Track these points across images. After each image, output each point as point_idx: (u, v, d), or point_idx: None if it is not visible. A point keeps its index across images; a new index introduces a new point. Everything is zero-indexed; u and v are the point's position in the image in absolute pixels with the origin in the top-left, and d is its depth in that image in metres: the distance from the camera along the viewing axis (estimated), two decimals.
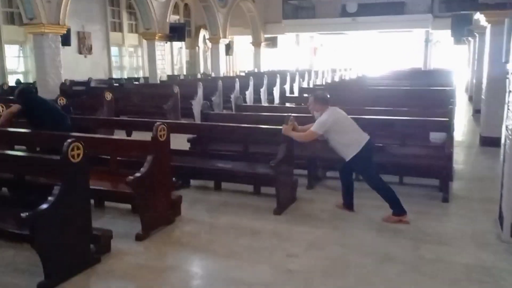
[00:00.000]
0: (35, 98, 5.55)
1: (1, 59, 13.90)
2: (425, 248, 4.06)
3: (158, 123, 4.29)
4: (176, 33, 16.58)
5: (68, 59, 16.13)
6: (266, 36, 24.70)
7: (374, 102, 9.16)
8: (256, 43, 24.53)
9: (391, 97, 9.82)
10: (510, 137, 4.08)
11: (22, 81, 14.68)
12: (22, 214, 3.03)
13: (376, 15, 20.92)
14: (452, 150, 5.71)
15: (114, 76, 18.46)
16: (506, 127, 4.38)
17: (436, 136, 6.18)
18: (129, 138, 4.59)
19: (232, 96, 12.90)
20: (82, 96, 11.52)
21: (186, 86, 12.49)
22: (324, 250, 4.01)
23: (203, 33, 24.49)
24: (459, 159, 7.52)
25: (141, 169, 4.10)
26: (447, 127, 5.58)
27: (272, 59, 31.24)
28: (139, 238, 4.14)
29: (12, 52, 15.26)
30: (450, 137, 5.58)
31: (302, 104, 9.36)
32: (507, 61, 4.86)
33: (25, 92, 5.52)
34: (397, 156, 5.79)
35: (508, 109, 4.30)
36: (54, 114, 5.38)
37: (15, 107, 5.28)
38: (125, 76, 18.77)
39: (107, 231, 3.86)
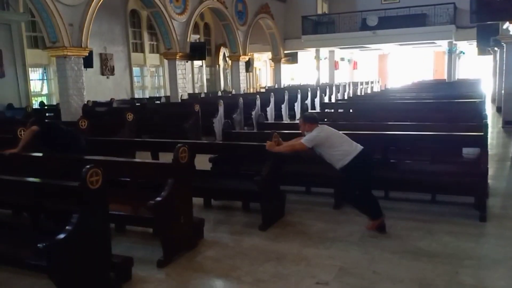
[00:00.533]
0: (49, 122, 5.60)
1: (25, 82, 14.15)
2: (464, 273, 3.78)
3: (179, 145, 4.16)
4: (197, 52, 16.63)
5: (90, 81, 16.39)
6: (286, 52, 24.66)
7: (399, 116, 8.90)
8: (276, 59, 24.51)
9: (416, 110, 9.54)
10: None
11: (46, 103, 14.91)
12: (39, 245, 2.91)
13: (397, 28, 20.66)
14: (487, 167, 5.40)
15: (136, 96, 18.62)
16: None
17: (469, 151, 5.91)
18: (148, 160, 4.45)
19: (253, 113, 12.80)
20: (104, 117, 11.60)
21: (207, 104, 12.43)
22: (355, 276, 3.78)
23: (223, 51, 24.64)
24: (492, 174, 7.15)
25: (162, 193, 3.96)
26: (482, 142, 5.30)
27: (293, 74, 31.25)
28: (160, 264, 3.98)
29: (36, 75, 15.56)
30: (484, 152, 5.29)
31: (325, 119, 9.20)
32: None
33: (40, 118, 5.54)
34: (427, 173, 5.52)
35: None
36: (69, 135, 5.38)
37: (34, 128, 5.23)
38: (147, 96, 18.93)
39: (127, 258, 3.71)
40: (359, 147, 4.73)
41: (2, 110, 12.23)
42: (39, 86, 15.84)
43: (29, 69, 14.59)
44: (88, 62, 12.69)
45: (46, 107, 14.26)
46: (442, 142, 5.62)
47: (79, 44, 11.75)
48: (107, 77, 17.43)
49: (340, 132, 4.93)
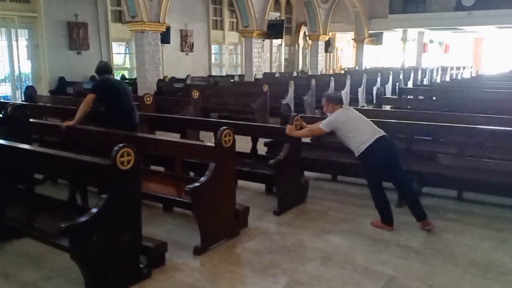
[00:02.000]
0: (109, 85, 5.41)
1: (109, 56, 14.73)
2: None
3: (223, 127, 3.90)
4: (274, 30, 16.29)
5: (170, 56, 16.76)
6: (370, 32, 23.43)
7: (489, 107, 7.97)
8: (359, 40, 23.39)
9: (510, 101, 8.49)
10: None
11: (127, 76, 15.47)
12: (61, 225, 2.82)
13: (496, 9, 18.66)
14: None
15: (213, 73, 18.76)
16: None
17: None
18: (192, 141, 4.27)
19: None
20: (177, 93, 11.75)
21: (278, 84, 12.11)
22: None
23: (303, 30, 23.99)
24: None
25: (202, 178, 3.75)
26: None
27: (377, 56, 29.77)
28: (196, 252, 3.80)
29: (120, 49, 16.17)
30: None
31: (403, 108, 8.48)
32: None
33: (97, 85, 5.45)
34: (509, 173, 4.79)
35: None
36: (123, 106, 5.34)
37: (90, 96, 5.20)
38: (224, 74, 18.99)
39: (161, 244, 3.56)
40: (378, 134, 4.35)
41: (84, 82, 12.82)
42: (122, 59, 16.45)
43: (113, 43, 15.15)
44: (165, 38, 12.88)
45: (126, 80, 14.78)
46: None
47: (157, 20, 11.89)
48: (186, 54, 17.68)
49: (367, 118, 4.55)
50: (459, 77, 19.79)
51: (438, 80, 18.20)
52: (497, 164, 5.15)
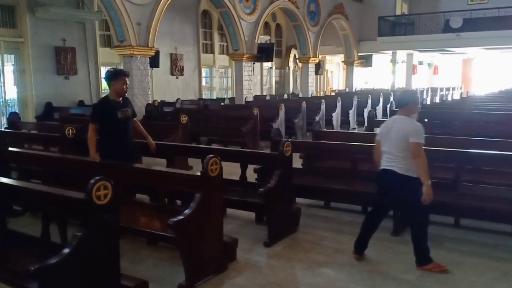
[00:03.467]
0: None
1: (97, 80, 14.57)
2: None
3: (209, 156, 3.70)
4: (264, 53, 16.29)
5: (160, 80, 16.64)
6: (359, 54, 23.58)
7: (480, 129, 7.89)
8: (349, 62, 23.49)
9: (502, 123, 8.42)
10: None
11: None
12: (31, 267, 2.58)
13: (483, 30, 18.87)
14: None
15: (204, 96, 18.64)
16: None
17: None
18: (176, 171, 4.06)
19: (317, 118, 12.15)
20: (167, 117, 11.57)
21: (269, 107, 11.99)
22: None
23: (294, 53, 24.09)
24: None
25: (186, 210, 3.53)
26: None
27: (367, 78, 29.94)
28: None
29: None
30: None
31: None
32: None
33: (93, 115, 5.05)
34: (508, 200, 4.62)
35: None
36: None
37: (91, 127, 4.90)
38: (215, 97, 18.88)
39: (142, 283, 3.32)
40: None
41: (70, 106, 12.60)
42: None
43: (102, 67, 15.01)
44: (154, 62, 12.76)
45: None
46: None
47: (145, 44, 11.81)
48: (176, 77, 17.56)
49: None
50: (449, 98, 19.88)
51: (428, 102, 18.23)
52: (492, 189, 5.00)
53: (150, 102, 12.55)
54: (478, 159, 5.03)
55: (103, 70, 15.37)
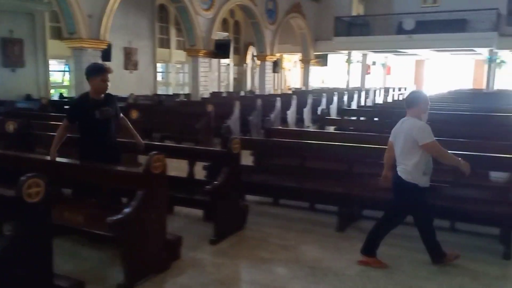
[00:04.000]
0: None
1: (45, 73, 14.04)
2: None
3: (153, 152, 3.64)
4: (221, 50, 16.21)
5: (113, 75, 16.10)
6: (316, 53, 23.93)
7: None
8: (306, 61, 23.81)
9: (448, 123, 8.73)
10: None
11: (66, 95, 14.78)
12: None
13: (434, 33, 19.60)
14: None
15: (160, 92, 18.36)
16: None
17: (497, 175, 5.14)
18: (117, 167, 3.96)
19: (272, 116, 12.23)
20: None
21: (224, 104, 11.93)
22: None
23: (252, 50, 24.15)
24: None
25: (125, 209, 3.45)
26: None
27: (323, 77, 30.43)
28: None
29: (58, 67, 15.49)
30: (505, 177, 4.53)
31: (345, 129, 8.47)
32: None
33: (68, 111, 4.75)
34: (446, 197, 4.80)
35: None
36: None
37: (63, 124, 4.51)
38: (171, 93, 18.63)
39: (77, 283, 3.22)
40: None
41: (16, 100, 12.09)
42: (61, 77, 15.76)
43: (52, 60, 14.49)
44: (106, 56, 12.42)
45: (65, 99, 14.10)
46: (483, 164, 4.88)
47: (97, 37, 11.50)
48: (130, 72, 17.21)
49: None
50: (401, 98, 20.50)
51: (380, 101, 18.70)
52: (436, 187, 5.16)
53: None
54: None
55: (52, 63, 14.86)
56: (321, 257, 4.24)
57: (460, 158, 3.84)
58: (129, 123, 4.94)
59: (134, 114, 7.91)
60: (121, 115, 4.83)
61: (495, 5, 18.70)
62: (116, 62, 15.92)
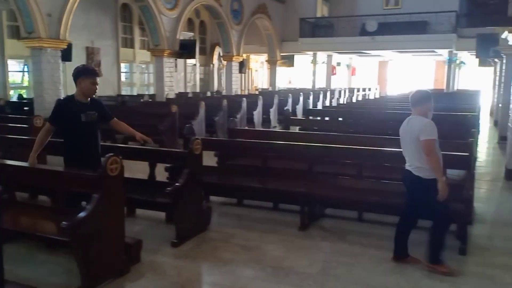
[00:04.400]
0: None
1: (3, 74, 13.54)
2: None
3: (109, 154, 3.55)
4: (186, 50, 16.05)
5: None
6: (282, 54, 24.06)
7: (389, 128, 8.31)
8: (272, 61, 23.90)
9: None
10: None
11: (25, 96, 14.30)
12: None
13: (397, 34, 20.05)
14: (473, 192, 4.81)
15: (124, 93, 18.02)
16: None
17: (454, 173, 5.29)
18: (73, 170, 3.83)
19: (238, 116, 12.22)
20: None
21: (190, 105, 11.85)
22: None
23: (218, 51, 24.05)
24: (481, 196, 6.56)
25: (81, 213, 3.36)
26: (467, 164, 4.70)
27: (290, 78, 30.68)
28: None
29: (17, 67, 14.98)
30: (470, 176, 4.68)
31: (309, 129, 8.53)
32: None
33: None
34: (404, 195, 4.90)
35: None
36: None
37: (45, 127, 4.31)
38: (135, 93, 18.32)
39: None
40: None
41: None
42: (21, 78, 15.24)
43: (11, 60, 13.99)
44: (67, 55, 12.08)
45: (25, 100, 13.64)
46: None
47: (56, 36, 11.16)
48: None
49: None
50: (366, 98, 20.91)
51: (344, 102, 19.00)
52: (394, 185, 5.27)
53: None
54: (373, 156, 5.27)
55: (11, 63, 14.37)
56: (284, 257, 4.25)
57: (444, 177, 3.84)
58: (123, 123, 4.74)
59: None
60: (114, 118, 4.63)
61: (454, 7, 19.29)
62: (77, 62, 15.28)
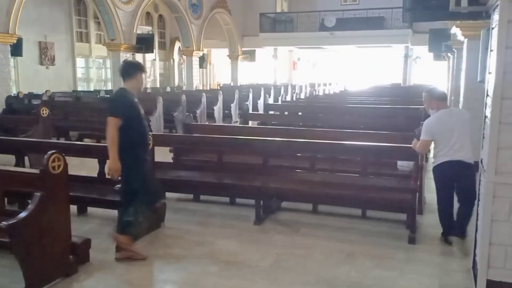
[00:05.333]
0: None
1: None
2: None
3: (51, 152, 3.42)
4: (144, 44, 15.73)
5: (27, 71, 15.26)
6: (244, 49, 24.01)
7: (346, 122, 8.44)
8: (233, 56, 23.82)
9: (364, 116, 9.12)
10: (485, 173, 3.30)
11: None
12: None
13: (354, 30, 20.39)
14: (420, 182, 4.93)
15: (80, 88, 17.53)
16: (481, 160, 3.62)
17: (404, 164, 5.43)
18: (12, 168, 3.68)
19: (198, 111, 12.12)
20: (33, 111, 10.60)
21: (148, 100, 11.60)
22: None
23: (178, 45, 23.74)
24: (432, 186, 6.73)
25: (22, 213, 3.22)
26: (415, 155, 4.81)
27: (251, 73, 30.64)
28: None
29: None
30: (418, 166, 4.80)
31: (268, 124, 8.54)
32: (482, 81, 4.14)
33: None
34: (357, 186, 4.99)
35: (484, 138, 3.54)
36: None
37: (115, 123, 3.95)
38: (92, 89, 17.85)
39: None
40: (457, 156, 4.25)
41: None
42: None
43: None
44: (17, 50, 11.61)
45: None
46: (372, 154, 5.12)
47: (5, 30, 10.69)
48: (47, 67, 16.26)
49: None
50: (326, 93, 21.16)
51: (303, 96, 19.17)
52: (347, 177, 5.36)
53: (13, 94, 11.43)
54: (327, 149, 5.33)
55: None
56: (237, 251, 4.23)
57: None
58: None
59: (44, 112, 7.44)
60: None
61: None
62: (30, 57, 15.00)
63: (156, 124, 10.58)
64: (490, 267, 3.27)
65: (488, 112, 3.40)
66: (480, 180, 3.66)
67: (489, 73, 3.49)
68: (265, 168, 5.42)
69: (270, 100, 16.07)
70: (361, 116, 9.10)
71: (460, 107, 8.12)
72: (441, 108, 4.39)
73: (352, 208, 5.25)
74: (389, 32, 20.27)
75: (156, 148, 5.38)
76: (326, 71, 31.67)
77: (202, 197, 5.89)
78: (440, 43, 12.95)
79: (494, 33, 3.32)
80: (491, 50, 3.49)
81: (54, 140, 6.96)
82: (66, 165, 3.51)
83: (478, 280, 3.35)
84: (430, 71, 27.84)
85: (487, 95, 3.52)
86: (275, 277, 3.71)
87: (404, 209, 4.64)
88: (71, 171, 3.74)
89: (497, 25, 3.21)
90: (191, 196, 5.93)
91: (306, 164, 5.52)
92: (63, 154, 3.49)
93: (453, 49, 11.96)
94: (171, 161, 6.13)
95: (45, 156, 3.38)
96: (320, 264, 3.95)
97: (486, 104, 3.56)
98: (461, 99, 7.86)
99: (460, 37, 7.68)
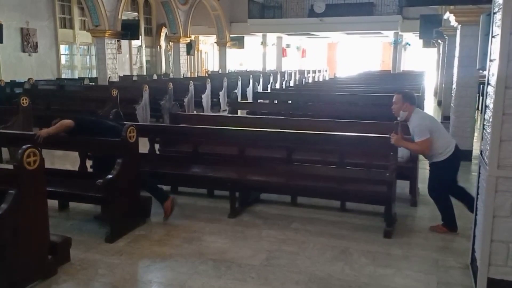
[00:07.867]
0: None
1: None
2: None
3: (25, 146, 3.18)
4: (129, 30, 15.34)
5: (9, 58, 14.79)
6: (232, 36, 23.63)
7: (335, 111, 8.25)
8: (221, 43, 23.44)
9: (353, 104, 8.95)
10: (487, 167, 3.14)
11: None
12: None
13: (344, 16, 20.14)
14: (415, 173, 4.78)
15: (64, 76, 17.09)
16: (481, 152, 3.46)
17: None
18: None
19: (185, 100, 11.85)
20: (15, 100, 10.24)
21: (133, 89, 11.33)
22: None
23: (165, 32, 23.28)
24: (425, 176, 6.60)
25: None
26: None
27: (241, 60, 30.30)
28: None
29: None
30: (393, 157, 4.59)
31: (257, 113, 8.30)
32: (482, 68, 3.96)
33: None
34: (334, 178, 4.80)
35: (484, 129, 3.37)
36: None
37: (69, 122, 4.54)
38: (76, 76, 17.43)
39: None
40: (454, 141, 4.36)
41: None
42: None
43: None
44: None
45: None
46: (351, 144, 4.92)
47: None
48: (29, 55, 15.79)
49: None
50: (316, 80, 20.95)
51: (292, 84, 18.95)
52: (327, 169, 5.14)
53: None
54: (306, 139, 5.12)
55: None
56: (226, 249, 4.04)
57: None
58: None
59: (25, 101, 7.14)
60: None
61: None
62: (11, 44, 14.54)
63: (142, 113, 10.32)
64: (491, 264, 3.13)
65: (489, 102, 3.22)
66: (479, 173, 3.50)
67: (491, 60, 3.31)
68: (242, 159, 5.20)
69: (259, 88, 15.85)
70: (351, 105, 8.92)
71: (453, 95, 7.98)
72: (411, 111, 4.32)
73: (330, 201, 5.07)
74: (379, 18, 20.10)
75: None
76: (315, 58, 31.46)
77: (187, 190, 5.63)
78: (431, 29, 12.81)
79: (497, 18, 3.14)
80: (492, 36, 3.31)
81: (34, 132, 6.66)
82: (42, 160, 3.27)
83: (479, 278, 3.21)
84: (419, 58, 27.80)
85: (488, 84, 3.34)
86: (266, 275, 3.54)
87: (380, 201, 4.44)
88: (56, 164, 3.52)
89: (500, 9, 3.03)
90: (183, 190, 5.68)
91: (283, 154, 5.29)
92: (39, 149, 3.25)
93: (444, 35, 11.81)
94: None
95: (19, 151, 3.14)
96: (314, 261, 3.77)
97: (487, 93, 3.38)
98: (454, 86, 7.70)
99: (453, 23, 7.49)
